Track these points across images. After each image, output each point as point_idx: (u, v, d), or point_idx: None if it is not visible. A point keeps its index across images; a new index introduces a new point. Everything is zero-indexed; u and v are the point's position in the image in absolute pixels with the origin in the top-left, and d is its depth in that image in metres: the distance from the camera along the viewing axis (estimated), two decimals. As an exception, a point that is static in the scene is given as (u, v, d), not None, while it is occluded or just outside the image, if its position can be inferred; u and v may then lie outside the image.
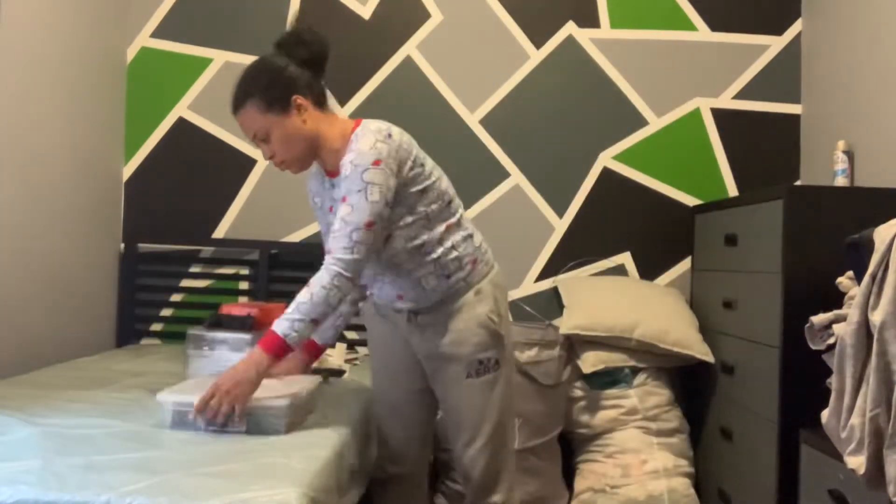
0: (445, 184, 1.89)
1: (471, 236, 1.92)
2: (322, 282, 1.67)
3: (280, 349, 1.66)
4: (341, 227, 1.70)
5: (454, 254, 1.86)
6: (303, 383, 1.84)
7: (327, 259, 1.71)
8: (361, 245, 1.69)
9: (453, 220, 1.88)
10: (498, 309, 1.92)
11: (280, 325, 1.66)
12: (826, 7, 2.92)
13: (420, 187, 1.81)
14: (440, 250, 1.85)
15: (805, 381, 2.10)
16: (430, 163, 1.87)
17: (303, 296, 1.68)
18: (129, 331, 3.11)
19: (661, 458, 2.67)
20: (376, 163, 1.71)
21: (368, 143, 1.73)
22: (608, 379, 2.78)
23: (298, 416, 1.78)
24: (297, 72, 1.79)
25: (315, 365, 2.53)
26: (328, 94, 1.87)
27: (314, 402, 1.94)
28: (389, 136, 1.76)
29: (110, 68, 3.07)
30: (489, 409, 1.90)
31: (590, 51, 3.15)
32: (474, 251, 1.91)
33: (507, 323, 1.96)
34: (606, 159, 3.14)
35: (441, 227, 1.85)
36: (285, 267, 3.14)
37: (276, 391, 1.73)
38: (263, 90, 1.75)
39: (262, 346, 1.65)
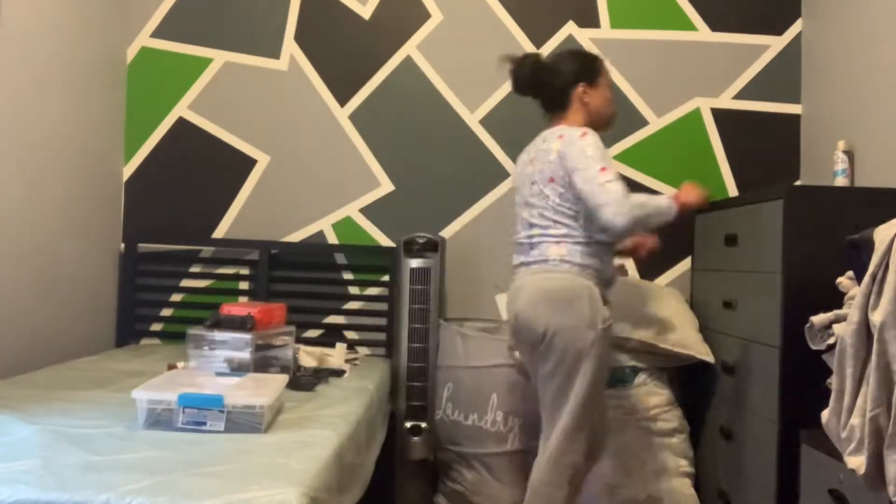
0: None
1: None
2: None
3: None
4: None
5: None
6: (275, 383, 1.86)
7: None
8: None
9: None
10: None
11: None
12: (826, 7, 2.91)
13: None
14: None
15: (805, 381, 2.10)
16: None
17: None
18: (129, 331, 3.11)
19: (661, 459, 2.67)
20: None
21: None
22: (608, 379, 2.77)
23: (274, 416, 1.82)
24: None
25: (315, 365, 2.54)
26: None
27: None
28: None
29: (110, 68, 3.07)
30: None
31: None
32: None
33: None
34: (606, 159, 3.13)
35: None
36: (285, 267, 3.14)
37: (254, 391, 1.75)
38: None
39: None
